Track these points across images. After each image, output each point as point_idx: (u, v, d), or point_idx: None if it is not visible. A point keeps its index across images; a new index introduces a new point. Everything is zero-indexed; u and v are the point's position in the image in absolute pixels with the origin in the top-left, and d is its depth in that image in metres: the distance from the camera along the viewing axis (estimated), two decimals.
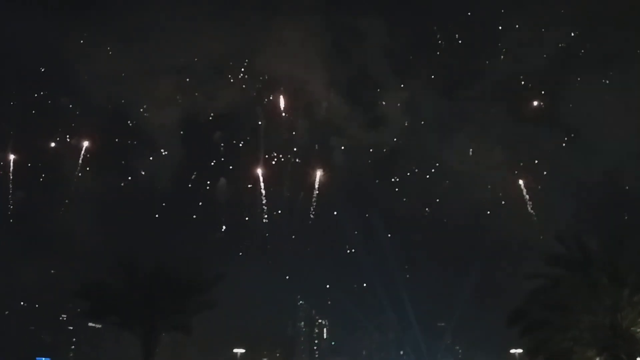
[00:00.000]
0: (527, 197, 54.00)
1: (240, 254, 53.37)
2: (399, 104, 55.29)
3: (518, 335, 24.65)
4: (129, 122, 55.62)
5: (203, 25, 52.39)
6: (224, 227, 55.23)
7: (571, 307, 22.73)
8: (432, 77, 54.69)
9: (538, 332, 23.49)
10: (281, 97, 56.87)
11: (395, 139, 56.91)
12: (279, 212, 57.43)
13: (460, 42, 54.64)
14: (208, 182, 56.45)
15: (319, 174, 57.26)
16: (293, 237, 57.14)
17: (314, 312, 59.46)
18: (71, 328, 49.93)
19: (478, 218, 54.94)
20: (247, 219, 56.56)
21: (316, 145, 58.00)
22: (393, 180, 56.83)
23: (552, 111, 54.07)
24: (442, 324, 54.75)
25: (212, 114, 55.72)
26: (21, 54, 50.06)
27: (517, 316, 24.27)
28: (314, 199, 56.81)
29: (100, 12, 52.93)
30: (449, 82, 55.42)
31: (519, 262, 47.70)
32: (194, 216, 55.15)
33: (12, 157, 53.10)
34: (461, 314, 52.38)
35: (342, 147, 58.15)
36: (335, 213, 56.81)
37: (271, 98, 57.28)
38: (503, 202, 54.98)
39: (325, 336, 60.26)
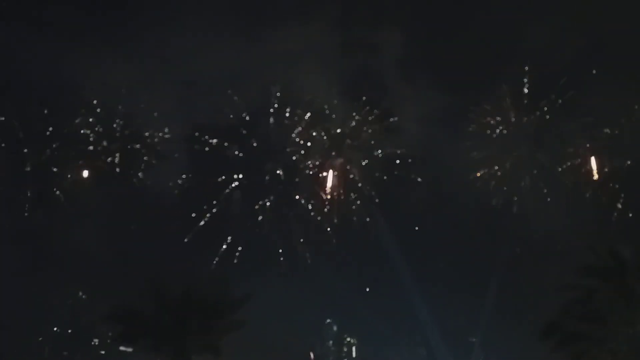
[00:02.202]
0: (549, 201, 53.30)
1: (266, 272, 53.15)
2: (413, 113, 54.92)
3: (551, 349, 24.19)
4: (134, 132, 55.23)
5: (209, 37, 51.83)
6: (240, 246, 54.70)
7: (608, 318, 22.29)
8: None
9: (574, 346, 23.05)
10: (290, 106, 56.44)
11: (409, 147, 56.32)
12: (300, 226, 56.98)
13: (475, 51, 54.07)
14: (224, 197, 56.09)
15: (330, 179, 56.78)
16: (316, 253, 56.78)
17: (341, 330, 59.03)
18: (103, 352, 50.43)
19: (493, 226, 54.38)
20: (266, 234, 55.97)
21: (332, 153, 57.58)
22: (405, 189, 56.06)
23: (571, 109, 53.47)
24: (473, 340, 53.81)
25: (222, 126, 55.10)
26: (19, 64, 49.77)
27: (551, 329, 23.86)
28: (334, 211, 56.51)
29: (102, 23, 52.98)
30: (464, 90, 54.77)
31: (544, 271, 46.93)
32: (214, 234, 54.74)
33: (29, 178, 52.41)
34: (489, 328, 51.60)
35: (356, 156, 57.76)
36: (355, 219, 56.00)
37: (281, 109, 56.18)
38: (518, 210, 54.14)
39: (354, 354, 59.68)
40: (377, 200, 56.57)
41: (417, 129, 54.48)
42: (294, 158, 57.50)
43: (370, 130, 56.87)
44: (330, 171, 57.50)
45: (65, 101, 53.07)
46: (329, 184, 57.34)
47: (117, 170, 55.52)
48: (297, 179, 57.25)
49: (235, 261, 54.19)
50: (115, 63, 50.63)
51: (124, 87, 52.77)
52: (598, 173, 53.72)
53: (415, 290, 53.43)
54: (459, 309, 52.45)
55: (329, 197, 56.71)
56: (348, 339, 59.59)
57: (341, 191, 57.36)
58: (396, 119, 56.12)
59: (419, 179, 55.99)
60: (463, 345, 53.94)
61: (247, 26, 53.20)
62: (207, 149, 55.74)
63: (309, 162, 57.62)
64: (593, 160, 53.84)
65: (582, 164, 54.28)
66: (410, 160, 56.82)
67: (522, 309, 47.96)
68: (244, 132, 56.08)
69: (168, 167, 55.39)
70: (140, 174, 55.21)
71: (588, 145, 53.77)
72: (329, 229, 56.06)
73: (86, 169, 55.14)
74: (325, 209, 56.62)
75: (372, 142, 57.07)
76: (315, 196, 57.30)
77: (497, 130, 55.61)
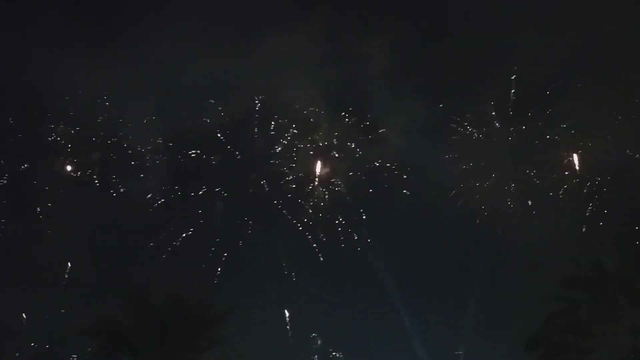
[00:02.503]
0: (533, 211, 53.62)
1: (249, 285, 52.48)
2: (397, 120, 54.91)
3: None
4: (114, 142, 54.32)
5: (192, 43, 51.20)
6: (223, 259, 53.83)
7: (591, 330, 22.27)
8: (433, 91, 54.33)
9: (558, 358, 22.98)
10: (275, 116, 56.03)
11: (394, 158, 56.23)
12: (283, 238, 56.30)
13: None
14: (207, 207, 55.28)
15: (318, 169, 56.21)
16: (300, 267, 56.28)
17: (327, 345, 58.47)
18: None
19: (476, 236, 54.51)
20: (249, 247, 55.30)
21: (317, 162, 57.24)
22: (390, 200, 55.92)
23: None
24: (460, 352, 53.65)
25: (204, 136, 54.10)
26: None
27: (536, 341, 23.77)
28: (319, 222, 56.15)
29: (82, 28, 51.74)
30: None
31: (528, 282, 47.10)
32: (197, 246, 53.81)
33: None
34: (474, 340, 51.51)
35: (342, 164, 57.51)
36: (342, 237, 55.76)
37: (265, 119, 55.77)
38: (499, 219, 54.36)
39: None
40: (362, 211, 56.48)
41: (402, 139, 54.51)
42: (278, 169, 57.24)
43: (354, 143, 56.80)
44: (319, 163, 56.71)
45: (41, 108, 51.87)
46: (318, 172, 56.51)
47: (96, 181, 54.51)
48: (282, 191, 56.95)
49: (218, 274, 53.45)
50: (94, 69, 49.67)
51: (103, 95, 51.75)
52: (580, 171, 54.04)
53: (401, 303, 53.26)
54: (444, 321, 52.33)
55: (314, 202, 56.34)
56: (334, 353, 59.05)
57: (326, 203, 57.15)
58: (383, 130, 56.18)
59: (405, 191, 55.97)
60: (449, 358, 53.79)
61: (231, 33, 52.41)
62: (188, 159, 54.85)
63: (293, 174, 57.37)
64: (576, 157, 54.06)
65: (566, 166, 54.63)
66: (395, 172, 56.81)
67: (506, 321, 47.98)
68: (227, 142, 55.35)
69: (148, 178, 54.51)
70: (119, 185, 54.27)
71: (571, 149, 54.05)
72: (314, 245, 55.81)
73: (64, 180, 53.94)
74: (310, 222, 56.33)
75: (358, 153, 57.03)
76: (300, 208, 56.97)
77: (480, 141, 55.97)
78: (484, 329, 51.43)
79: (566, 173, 54.60)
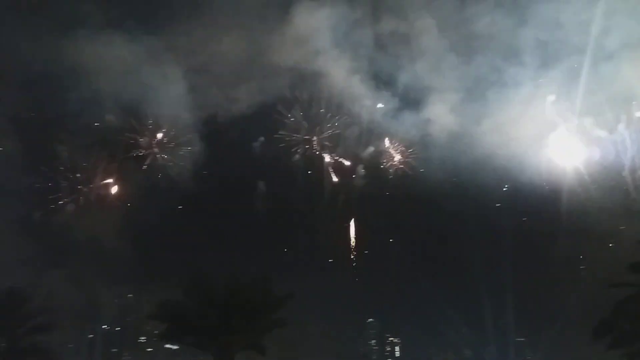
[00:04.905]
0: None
1: (309, 270, 52.78)
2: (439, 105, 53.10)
3: (605, 348, 23.26)
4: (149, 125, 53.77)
5: (221, 22, 49.82)
6: (281, 244, 53.73)
7: None
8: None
9: (629, 345, 22.08)
10: (313, 98, 54.48)
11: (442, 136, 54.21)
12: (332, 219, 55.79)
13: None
14: (250, 192, 55.02)
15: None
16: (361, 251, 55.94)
17: (384, 330, 58.38)
18: (150, 350, 51.53)
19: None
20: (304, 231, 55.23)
21: (360, 141, 56.09)
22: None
23: None
24: (522, 339, 52.19)
25: (236, 114, 52.35)
26: (24, 52, 47.76)
27: (604, 328, 22.95)
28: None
29: (111, 10, 50.83)
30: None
31: (593, 269, 45.09)
32: (251, 232, 53.82)
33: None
34: (537, 327, 50.00)
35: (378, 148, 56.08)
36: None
37: (304, 99, 54.70)
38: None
39: (397, 354, 58.98)
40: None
41: (449, 116, 52.74)
42: (316, 152, 56.44)
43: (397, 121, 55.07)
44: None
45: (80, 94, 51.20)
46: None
47: (145, 165, 53.41)
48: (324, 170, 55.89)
49: (278, 258, 53.84)
50: (127, 50, 48.30)
51: (131, 75, 49.11)
52: None
53: (473, 289, 52.08)
54: (507, 308, 51.14)
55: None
56: (391, 339, 58.93)
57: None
58: (426, 111, 54.31)
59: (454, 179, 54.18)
60: (511, 345, 52.51)
61: (265, 9, 50.65)
62: (223, 140, 52.99)
63: (335, 154, 56.52)
64: None
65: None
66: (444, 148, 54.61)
67: (569, 307, 46.41)
68: (265, 121, 53.82)
69: (184, 161, 53.05)
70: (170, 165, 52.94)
71: None
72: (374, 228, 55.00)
73: (114, 165, 53.42)
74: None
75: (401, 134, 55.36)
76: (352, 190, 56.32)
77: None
78: (548, 317, 49.84)
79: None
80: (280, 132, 55.38)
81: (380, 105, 55.68)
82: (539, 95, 51.95)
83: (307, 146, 56.61)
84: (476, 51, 52.22)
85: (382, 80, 54.47)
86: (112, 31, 49.46)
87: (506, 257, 50.51)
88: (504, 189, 54.83)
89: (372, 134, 56.59)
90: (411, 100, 54.29)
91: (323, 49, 52.13)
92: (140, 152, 55.13)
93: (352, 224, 58.39)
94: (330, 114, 55.91)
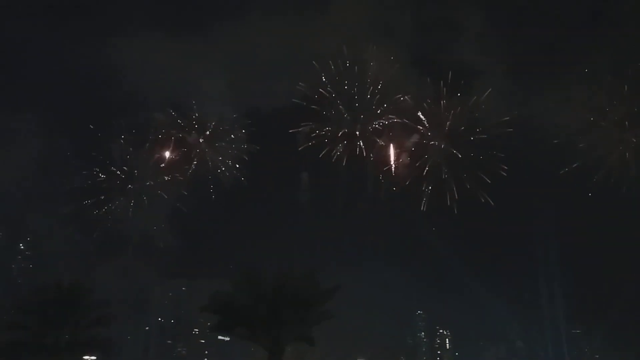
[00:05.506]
0: None
1: (357, 263, 52.95)
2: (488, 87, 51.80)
3: None
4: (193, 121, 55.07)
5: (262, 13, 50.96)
6: (328, 237, 53.81)
7: None
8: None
9: None
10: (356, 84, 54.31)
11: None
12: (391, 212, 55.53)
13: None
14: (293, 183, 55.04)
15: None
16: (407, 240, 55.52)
17: (433, 322, 57.86)
18: (203, 341, 53.00)
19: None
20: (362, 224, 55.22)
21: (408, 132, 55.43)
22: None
23: None
24: (577, 331, 50.69)
25: (282, 109, 54.09)
26: (70, 54, 49.87)
27: None
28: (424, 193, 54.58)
29: (151, 11, 53.20)
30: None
31: None
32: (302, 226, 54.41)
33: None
34: (593, 318, 48.51)
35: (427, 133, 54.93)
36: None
37: (349, 88, 54.95)
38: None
39: (447, 346, 58.41)
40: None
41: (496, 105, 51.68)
42: (361, 144, 55.67)
43: (449, 112, 54.34)
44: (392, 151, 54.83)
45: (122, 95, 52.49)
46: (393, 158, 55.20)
47: (195, 162, 54.90)
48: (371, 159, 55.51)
49: (325, 252, 54.23)
50: (168, 49, 50.45)
51: (173, 72, 52.02)
52: None
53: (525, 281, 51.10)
54: (559, 300, 49.78)
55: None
56: (441, 331, 58.36)
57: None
58: (475, 98, 53.40)
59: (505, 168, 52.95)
60: (563, 337, 51.12)
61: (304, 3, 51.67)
62: (265, 134, 55.73)
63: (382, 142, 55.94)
64: None
65: None
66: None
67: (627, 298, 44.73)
68: (307, 113, 54.46)
69: (231, 156, 54.93)
70: (219, 164, 54.66)
71: None
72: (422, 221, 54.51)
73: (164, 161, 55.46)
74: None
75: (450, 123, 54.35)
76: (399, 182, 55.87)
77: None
78: (605, 309, 48.20)
79: None
80: (321, 124, 55.76)
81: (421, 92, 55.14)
82: None
83: (350, 137, 56.78)
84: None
85: (425, 67, 54.11)
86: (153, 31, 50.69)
87: (557, 246, 49.26)
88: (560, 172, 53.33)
89: (416, 122, 56.01)
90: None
91: (363, 37, 52.09)
92: (188, 148, 56.53)
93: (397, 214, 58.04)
94: (374, 105, 55.74)
